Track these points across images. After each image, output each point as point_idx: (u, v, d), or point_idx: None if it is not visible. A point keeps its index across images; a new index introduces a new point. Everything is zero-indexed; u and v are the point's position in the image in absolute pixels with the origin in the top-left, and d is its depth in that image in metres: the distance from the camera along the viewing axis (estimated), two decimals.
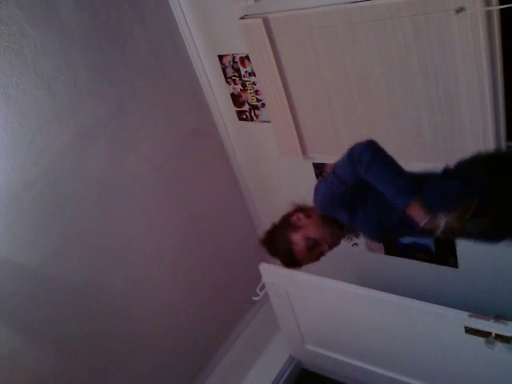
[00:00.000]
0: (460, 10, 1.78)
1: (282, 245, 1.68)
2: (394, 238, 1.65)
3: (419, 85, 2.09)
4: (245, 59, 2.60)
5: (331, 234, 1.66)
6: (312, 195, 1.69)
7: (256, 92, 2.70)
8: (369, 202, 1.59)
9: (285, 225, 1.72)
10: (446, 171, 1.63)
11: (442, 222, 1.38)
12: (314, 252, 1.66)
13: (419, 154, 2.29)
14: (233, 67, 2.69)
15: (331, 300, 2.52)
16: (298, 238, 1.65)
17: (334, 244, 1.68)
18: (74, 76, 2.23)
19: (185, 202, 2.91)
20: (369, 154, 1.45)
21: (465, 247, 2.51)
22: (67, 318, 2.37)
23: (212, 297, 3.19)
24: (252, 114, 2.82)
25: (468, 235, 1.55)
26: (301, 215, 1.70)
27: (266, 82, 2.54)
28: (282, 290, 2.71)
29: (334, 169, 1.59)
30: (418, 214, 1.42)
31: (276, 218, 3.47)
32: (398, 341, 2.41)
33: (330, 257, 3.26)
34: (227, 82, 2.78)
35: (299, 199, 1.77)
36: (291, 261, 1.68)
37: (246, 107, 2.82)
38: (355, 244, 2.98)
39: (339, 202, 1.59)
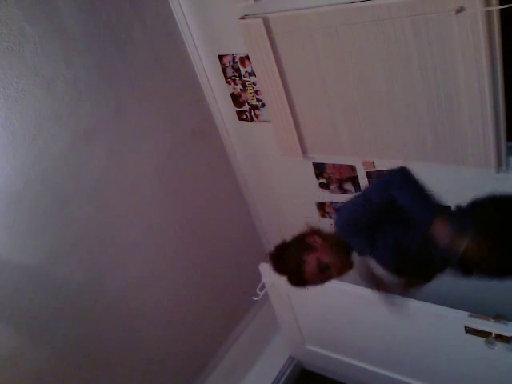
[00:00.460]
0: (460, 10, 1.77)
1: (292, 262, 1.69)
2: (410, 268, 1.66)
3: (419, 85, 2.09)
4: (245, 59, 2.60)
5: (344, 262, 1.69)
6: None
7: (256, 92, 2.70)
8: (389, 231, 1.62)
9: (299, 244, 1.73)
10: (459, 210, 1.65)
11: (464, 241, 1.43)
12: (324, 276, 1.68)
13: (419, 153, 2.29)
14: (233, 67, 2.69)
15: (331, 300, 2.51)
16: (311, 259, 1.67)
17: (343, 272, 1.69)
18: (73, 76, 2.23)
19: (184, 202, 2.91)
20: (401, 174, 1.56)
21: None
22: (67, 318, 2.37)
23: (212, 297, 3.19)
24: (252, 113, 2.82)
25: (486, 266, 1.56)
26: (317, 238, 1.71)
27: (266, 82, 2.54)
28: (281, 290, 2.71)
29: (364, 191, 1.66)
30: (443, 230, 1.48)
31: (276, 218, 3.47)
32: (397, 341, 2.41)
33: None
34: (227, 82, 2.78)
35: (312, 222, 1.82)
36: (298, 280, 1.70)
37: (246, 107, 2.82)
38: None
39: (363, 225, 1.62)
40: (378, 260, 1.70)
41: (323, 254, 1.67)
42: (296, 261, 1.68)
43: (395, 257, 1.64)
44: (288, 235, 1.81)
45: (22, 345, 2.22)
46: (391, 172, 1.59)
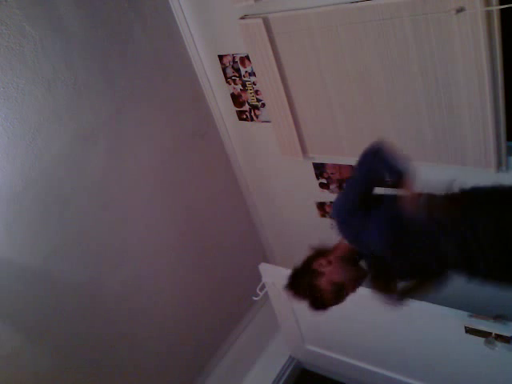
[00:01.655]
0: (460, 10, 1.78)
1: (307, 290, 1.71)
2: (403, 240, 1.69)
3: (419, 85, 2.09)
4: (245, 59, 2.60)
5: (355, 274, 1.71)
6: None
7: (256, 92, 2.70)
8: (381, 207, 1.68)
9: (308, 272, 1.74)
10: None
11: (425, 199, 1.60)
12: (341, 294, 1.70)
13: (419, 153, 2.29)
14: (233, 67, 2.69)
15: None
16: (323, 284, 1.68)
17: (358, 284, 1.71)
18: (73, 76, 2.23)
19: (185, 202, 2.91)
20: (376, 146, 1.69)
21: None
22: (67, 318, 2.37)
23: (212, 297, 3.19)
24: (252, 113, 2.82)
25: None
26: (323, 261, 1.73)
27: (266, 82, 2.54)
28: (282, 290, 2.71)
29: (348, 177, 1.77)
30: (411, 185, 1.63)
31: (276, 217, 3.47)
32: (397, 341, 2.41)
33: None
34: (227, 82, 2.78)
35: (315, 242, 1.86)
36: (319, 305, 1.73)
37: (246, 107, 2.82)
38: None
39: (356, 204, 1.67)
40: (377, 241, 1.69)
41: (333, 275, 1.69)
42: (311, 289, 1.70)
43: (388, 227, 1.65)
44: (293, 248, 1.85)
45: (22, 344, 2.22)
46: (368, 147, 1.70)
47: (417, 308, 2.16)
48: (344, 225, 1.72)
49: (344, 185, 1.79)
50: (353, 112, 2.38)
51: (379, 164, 1.67)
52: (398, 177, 1.65)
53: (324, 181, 2.82)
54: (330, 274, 1.69)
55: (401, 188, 1.63)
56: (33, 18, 2.05)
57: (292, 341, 3.04)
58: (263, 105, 2.71)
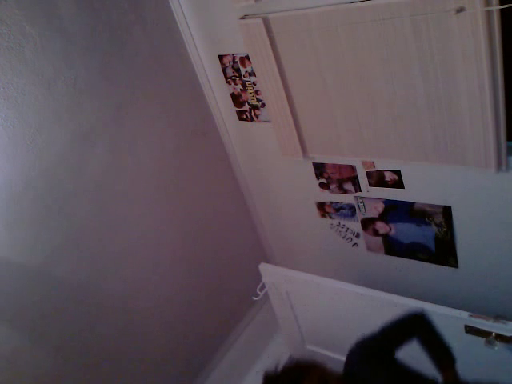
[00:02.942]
0: (460, 10, 1.77)
1: (294, 374, 1.65)
2: None
3: (419, 85, 2.09)
4: (245, 59, 2.60)
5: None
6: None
7: (256, 92, 2.70)
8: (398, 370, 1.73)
9: (302, 364, 1.72)
10: None
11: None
12: None
13: (419, 153, 2.29)
14: (233, 67, 2.69)
15: (331, 300, 2.52)
16: (313, 374, 1.64)
17: None
18: (74, 76, 2.23)
19: (184, 202, 2.92)
20: (426, 322, 1.83)
21: (465, 247, 2.51)
22: (67, 319, 2.37)
23: (212, 297, 3.19)
24: (252, 114, 2.82)
25: None
26: (320, 365, 1.72)
27: (266, 82, 2.54)
28: (282, 290, 2.71)
29: (384, 329, 1.86)
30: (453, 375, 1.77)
31: (276, 217, 3.47)
32: None
33: (330, 257, 3.26)
34: (227, 82, 2.78)
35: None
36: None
37: (246, 107, 2.82)
38: (355, 244, 2.98)
39: (375, 357, 1.75)
40: None
41: (326, 372, 1.66)
42: (298, 373, 1.64)
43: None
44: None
45: (22, 344, 2.22)
46: (414, 317, 1.83)
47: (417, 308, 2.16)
48: (360, 361, 1.77)
49: (381, 328, 1.86)
50: (353, 112, 2.38)
51: (429, 335, 1.79)
52: (443, 358, 1.76)
53: (324, 181, 2.82)
54: (324, 370, 1.66)
55: (442, 367, 1.76)
56: (33, 18, 2.05)
57: (292, 341, 3.04)
58: (263, 105, 2.71)
